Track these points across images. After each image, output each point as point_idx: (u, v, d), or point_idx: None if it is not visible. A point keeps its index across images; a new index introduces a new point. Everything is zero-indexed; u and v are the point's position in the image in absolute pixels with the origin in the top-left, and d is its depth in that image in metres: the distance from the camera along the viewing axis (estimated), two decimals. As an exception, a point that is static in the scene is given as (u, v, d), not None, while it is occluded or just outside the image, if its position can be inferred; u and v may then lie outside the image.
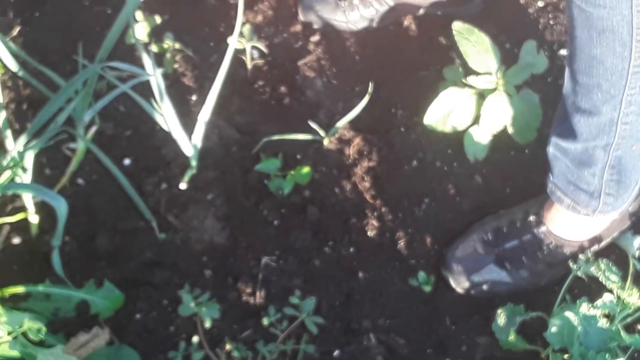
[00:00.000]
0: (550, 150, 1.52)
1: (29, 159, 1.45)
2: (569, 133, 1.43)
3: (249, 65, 1.85)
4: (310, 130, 1.76)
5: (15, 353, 1.22)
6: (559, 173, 1.53)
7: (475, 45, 1.69)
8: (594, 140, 1.39)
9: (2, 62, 1.48)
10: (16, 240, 1.60)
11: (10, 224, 1.58)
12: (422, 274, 1.69)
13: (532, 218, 1.66)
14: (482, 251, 1.69)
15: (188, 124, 1.60)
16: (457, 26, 1.69)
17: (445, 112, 1.73)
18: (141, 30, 1.79)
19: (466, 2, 1.95)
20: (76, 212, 1.62)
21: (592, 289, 1.63)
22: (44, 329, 1.22)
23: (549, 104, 1.83)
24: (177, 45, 1.81)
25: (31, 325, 1.21)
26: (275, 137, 1.74)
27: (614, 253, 1.70)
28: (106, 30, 1.40)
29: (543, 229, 1.65)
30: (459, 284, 1.67)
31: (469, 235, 1.71)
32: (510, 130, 1.73)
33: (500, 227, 1.69)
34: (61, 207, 1.35)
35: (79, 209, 1.64)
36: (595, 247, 1.66)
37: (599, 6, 1.17)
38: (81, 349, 1.39)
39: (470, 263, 1.68)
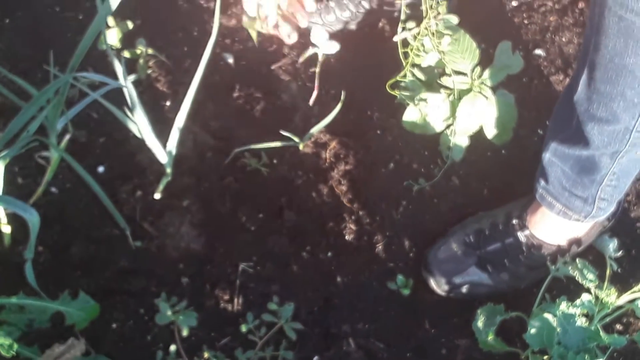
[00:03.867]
0: (547, 156, 1.52)
1: (0, 169, 1.42)
2: (576, 140, 1.42)
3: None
4: (285, 136, 1.75)
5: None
6: (554, 179, 1.53)
7: (456, 43, 1.68)
8: (605, 148, 1.39)
9: (-29, 71, 1.46)
10: (-11, 251, 1.58)
11: (-18, 234, 1.56)
12: (400, 278, 1.69)
13: (515, 221, 1.66)
14: (464, 253, 1.68)
15: (162, 130, 1.58)
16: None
17: (422, 113, 1.73)
18: (113, 36, 1.76)
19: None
20: (50, 221, 1.60)
21: (571, 289, 1.64)
22: (15, 345, 1.20)
23: (525, 104, 1.84)
24: (150, 51, 1.79)
25: (3, 341, 1.18)
26: (249, 147, 1.73)
27: (592, 254, 1.70)
28: (78, 36, 1.39)
29: (526, 232, 1.65)
30: (440, 285, 1.67)
31: (450, 237, 1.71)
32: (486, 131, 1.73)
33: (482, 230, 1.69)
34: (33, 220, 1.33)
35: (53, 218, 1.61)
36: (576, 250, 1.66)
37: None
38: (57, 361, 1.37)
39: (451, 265, 1.67)
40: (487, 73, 1.71)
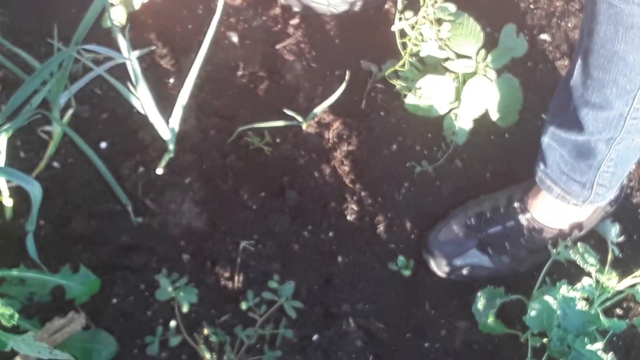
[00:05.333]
0: (546, 140, 1.52)
1: (3, 142, 1.42)
2: (572, 125, 1.42)
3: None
4: (288, 115, 1.75)
5: (-15, 340, 1.21)
6: (553, 163, 1.53)
7: (459, 27, 1.68)
8: (599, 134, 1.39)
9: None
10: (-10, 224, 1.58)
11: (-16, 207, 1.56)
12: (401, 259, 1.69)
13: (516, 204, 1.66)
14: (465, 235, 1.68)
15: (166, 107, 1.58)
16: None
17: (426, 96, 1.73)
18: (118, 13, 1.76)
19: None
20: (51, 195, 1.60)
21: (572, 273, 1.64)
22: (16, 315, 1.20)
23: (529, 88, 1.83)
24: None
25: (4, 310, 1.19)
26: (252, 126, 1.72)
27: (593, 239, 1.70)
28: (82, 12, 1.38)
29: (527, 215, 1.65)
30: (440, 267, 1.67)
31: (451, 219, 1.71)
32: (491, 113, 1.73)
33: (483, 212, 1.69)
34: (36, 192, 1.33)
35: (55, 192, 1.61)
36: (577, 234, 1.66)
37: (631, 3, 1.16)
38: (56, 334, 1.37)
39: (452, 247, 1.68)
40: (491, 56, 1.70)
